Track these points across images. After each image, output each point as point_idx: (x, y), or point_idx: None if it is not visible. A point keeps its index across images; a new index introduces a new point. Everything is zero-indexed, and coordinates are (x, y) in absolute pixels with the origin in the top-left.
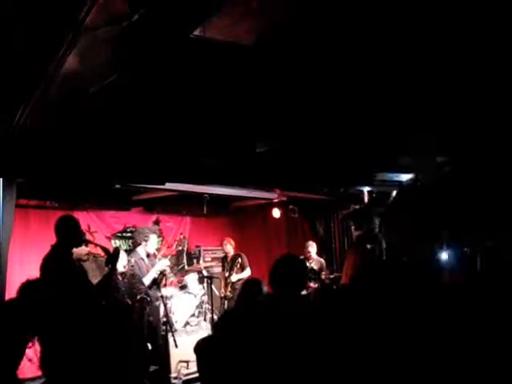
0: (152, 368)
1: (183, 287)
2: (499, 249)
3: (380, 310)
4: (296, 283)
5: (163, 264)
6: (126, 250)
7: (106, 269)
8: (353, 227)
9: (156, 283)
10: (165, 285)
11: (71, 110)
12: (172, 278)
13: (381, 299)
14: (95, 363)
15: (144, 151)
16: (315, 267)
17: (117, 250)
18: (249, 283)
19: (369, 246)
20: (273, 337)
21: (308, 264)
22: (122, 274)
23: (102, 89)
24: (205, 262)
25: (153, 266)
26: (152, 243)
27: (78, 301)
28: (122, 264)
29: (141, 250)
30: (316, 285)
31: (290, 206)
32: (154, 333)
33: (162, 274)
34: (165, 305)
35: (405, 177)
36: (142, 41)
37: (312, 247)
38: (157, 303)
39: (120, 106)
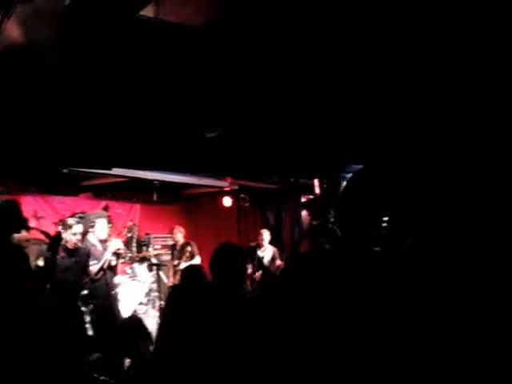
0: (95, 356)
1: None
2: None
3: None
4: (234, 273)
5: (115, 244)
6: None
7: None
8: (308, 217)
9: (110, 267)
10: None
11: (16, 89)
12: (129, 255)
13: (309, 293)
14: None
15: (90, 135)
16: (268, 255)
17: (58, 235)
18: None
19: (320, 239)
20: (210, 327)
21: (260, 252)
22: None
23: (48, 68)
24: (155, 249)
25: (106, 250)
26: (101, 228)
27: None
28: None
29: (91, 237)
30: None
31: (241, 195)
32: (103, 320)
33: (117, 255)
34: (109, 295)
35: (355, 167)
36: (86, 17)
37: (265, 235)
38: (106, 291)
39: (67, 87)
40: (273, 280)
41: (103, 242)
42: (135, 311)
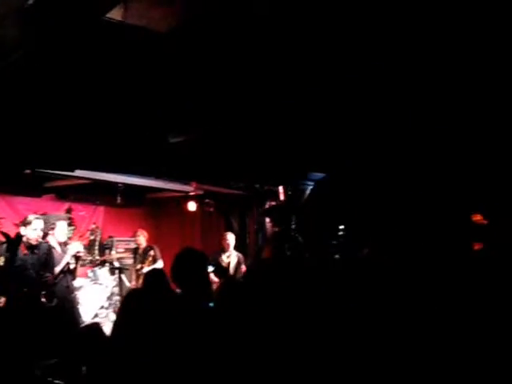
0: (52, 361)
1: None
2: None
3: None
4: (195, 278)
5: (75, 247)
6: None
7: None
8: (270, 224)
9: (69, 271)
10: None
11: None
12: (90, 259)
13: (270, 295)
14: None
15: (53, 136)
16: (233, 261)
17: (18, 236)
18: (152, 276)
19: (283, 246)
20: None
21: (224, 257)
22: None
23: (10, 67)
24: (117, 252)
25: (65, 253)
26: (61, 231)
27: None
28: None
29: (51, 239)
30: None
31: (206, 200)
32: (62, 324)
33: (76, 258)
34: (69, 298)
35: (318, 175)
36: (50, 18)
37: (229, 237)
38: (66, 294)
39: (30, 87)
40: (234, 286)
41: (63, 244)
42: (96, 315)
